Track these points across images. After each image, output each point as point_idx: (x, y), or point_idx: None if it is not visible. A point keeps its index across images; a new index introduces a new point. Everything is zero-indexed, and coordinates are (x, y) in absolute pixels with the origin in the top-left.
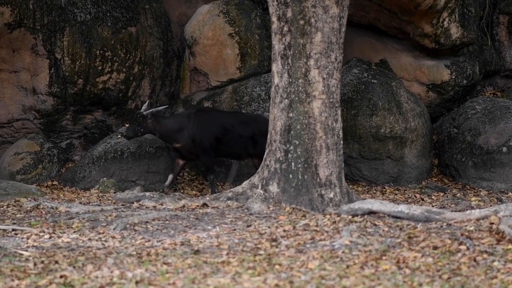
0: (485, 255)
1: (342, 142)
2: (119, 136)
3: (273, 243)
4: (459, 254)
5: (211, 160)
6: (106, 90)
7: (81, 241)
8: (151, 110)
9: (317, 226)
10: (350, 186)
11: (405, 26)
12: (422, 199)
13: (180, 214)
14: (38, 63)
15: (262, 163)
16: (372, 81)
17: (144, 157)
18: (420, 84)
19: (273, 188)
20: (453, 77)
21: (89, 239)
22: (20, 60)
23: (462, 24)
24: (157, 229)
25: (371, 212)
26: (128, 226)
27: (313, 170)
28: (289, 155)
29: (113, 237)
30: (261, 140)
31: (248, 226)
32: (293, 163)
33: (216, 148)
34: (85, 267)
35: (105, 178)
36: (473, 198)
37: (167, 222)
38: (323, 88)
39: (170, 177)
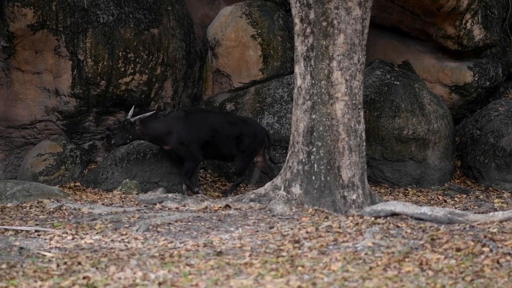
0: (508, 257)
1: (364, 143)
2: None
3: (296, 245)
4: (482, 256)
5: (194, 166)
6: (129, 91)
7: (103, 242)
8: (138, 116)
9: (339, 227)
10: (373, 187)
11: (428, 27)
12: (445, 201)
13: (202, 216)
14: (60, 65)
15: (285, 164)
16: (395, 82)
17: (166, 159)
18: (442, 85)
19: (296, 189)
20: (476, 79)
21: (112, 240)
22: (43, 61)
23: (485, 25)
24: (179, 230)
25: (394, 214)
26: (150, 227)
27: (336, 172)
28: (312, 157)
29: (136, 239)
30: (246, 141)
31: (271, 227)
32: (315, 165)
33: (205, 151)
34: (108, 268)
35: (127, 180)
36: (496, 200)
37: (190, 223)
38: (345, 89)
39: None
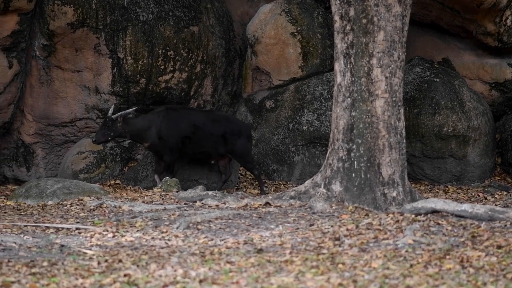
0: None
1: (405, 141)
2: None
3: (336, 242)
4: None
5: (174, 160)
6: (169, 89)
7: (144, 240)
8: (120, 113)
9: (380, 225)
10: (413, 185)
11: (468, 24)
12: (485, 198)
13: (243, 213)
14: (100, 63)
15: (325, 162)
16: (435, 79)
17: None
18: (483, 82)
19: (336, 187)
20: None
21: (152, 238)
22: (83, 59)
23: None
24: (220, 228)
25: (434, 211)
26: (191, 225)
27: (376, 169)
28: (352, 154)
29: (176, 236)
30: (232, 139)
31: (311, 225)
32: (355, 162)
33: (185, 147)
34: (149, 266)
35: (167, 177)
36: None
37: (230, 221)
38: (385, 87)
39: (157, 178)
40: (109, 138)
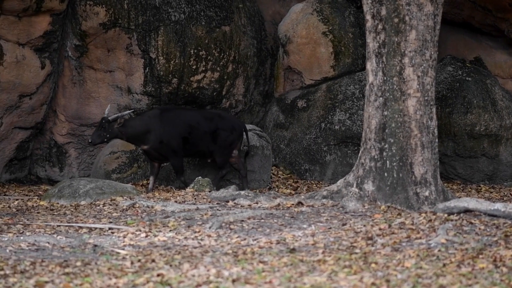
0: None
1: (437, 140)
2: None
3: (369, 242)
4: None
5: (180, 161)
6: (201, 89)
7: (177, 239)
8: (116, 115)
9: (412, 224)
10: (445, 184)
11: (500, 23)
12: None
13: (275, 213)
14: (132, 63)
15: (357, 161)
16: (467, 78)
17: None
18: None
19: (368, 186)
20: None
21: (185, 238)
22: (115, 59)
23: None
24: (252, 227)
25: (467, 211)
26: (223, 224)
27: (408, 168)
28: (384, 154)
29: (209, 236)
30: (223, 135)
31: (344, 224)
32: (388, 161)
33: (183, 147)
34: (182, 266)
35: (200, 177)
36: None
37: (263, 220)
38: (418, 86)
39: (152, 179)
40: (105, 140)
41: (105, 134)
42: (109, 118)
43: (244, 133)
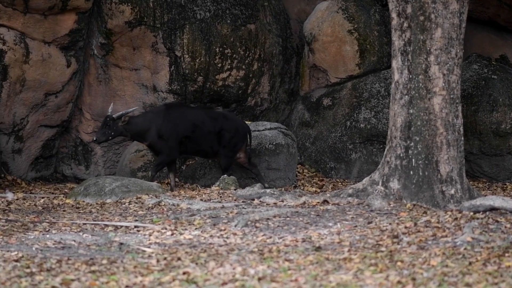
0: None
1: (462, 138)
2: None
3: (395, 240)
4: None
5: (168, 161)
6: (226, 87)
7: (202, 238)
8: (121, 112)
9: (438, 222)
10: (471, 182)
11: None
12: None
13: (301, 211)
14: (158, 61)
15: (383, 159)
16: (492, 76)
17: (264, 154)
18: None
19: (394, 184)
20: None
21: (211, 236)
22: (141, 58)
23: None
24: (278, 226)
25: (492, 209)
26: (249, 223)
27: (434, 167)
28: (410, 152)
29: (235, 234)
30: (227, 136)
31: (369, 222)
32: (413, 160)
33: (185, 146)
34: (208, 264)
35: (225, 175)
36: None
37: (288, 219)
38: (443, 84)
39: (171, 176)
40: (110, 138)
41: (110, 132)
42: (114, 116)
43: (248, 135)
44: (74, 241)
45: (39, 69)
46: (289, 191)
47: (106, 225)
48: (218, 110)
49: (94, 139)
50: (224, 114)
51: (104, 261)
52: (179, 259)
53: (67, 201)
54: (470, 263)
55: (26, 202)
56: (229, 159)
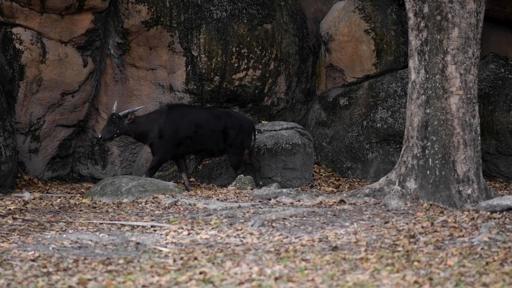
0: None
1: (479, 138)
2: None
3: (411, 240)
4: None
5: (161, 163)
6: (242, 87)
7: (219, 237)
8: (127, 111)
9: (455, 222)
10: (488, 182)
11: None
12: None
13: (317, 211)
14: (174, 61)
15: (399, 159)
16: (509, 76)
17: (280, 154)
18: None
19: (411, 184)
20: None
21: (227, 236)
22: (157, 57)
23: None
24: (294, 225)
25: (510, 209)
26: (265, 222)
27: (451, 166)
28: (427, 151)
29: (251, 234)
30: (232, 133)
31: (386, 222)
32: (430, 159)
33: (187, 146)
34: (224, 264)
35: (242, 175)
36: None
37: (305, 218)
38: (460, 83)
39: (184, 176)
40: (115, 136)
41: (115, 129)
42: (120, 113)
43: (252, 131)
44: (91, 240)
45: (55, 69)
46: (306, 191)
47: (123, 225)
48: (222, 109)
49: (99, 136)
50: (227, 112)
51: (121, 261)
52: (195, 258)
53: (84, 200)
54: (487, 263)
55: (43, 201)
56: (238, 156)
